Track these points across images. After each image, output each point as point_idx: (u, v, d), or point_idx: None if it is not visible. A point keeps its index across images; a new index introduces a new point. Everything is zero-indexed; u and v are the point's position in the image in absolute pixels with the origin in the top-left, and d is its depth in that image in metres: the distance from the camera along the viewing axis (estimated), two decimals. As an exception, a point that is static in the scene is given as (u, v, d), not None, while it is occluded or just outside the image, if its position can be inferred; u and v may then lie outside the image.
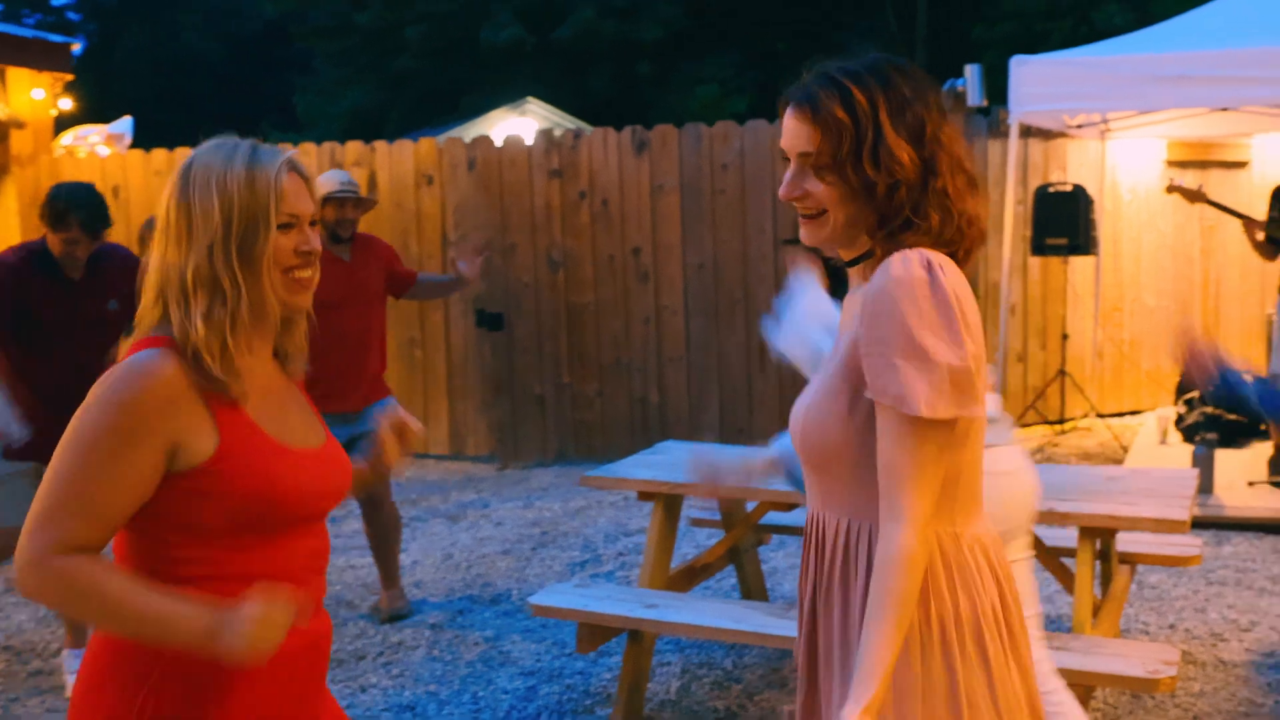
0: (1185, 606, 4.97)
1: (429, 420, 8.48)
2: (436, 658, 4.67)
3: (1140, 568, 5.04)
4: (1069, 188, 7.63)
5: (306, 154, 8.51)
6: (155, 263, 1.85)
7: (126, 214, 8.50)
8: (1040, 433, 8.27)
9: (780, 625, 3.67)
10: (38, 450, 4.32)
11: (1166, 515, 3.63)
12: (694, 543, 5.88)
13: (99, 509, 1.72)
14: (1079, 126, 8.09)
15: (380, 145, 8.52)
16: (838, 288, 2.95)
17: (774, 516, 4.65)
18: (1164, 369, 8.82)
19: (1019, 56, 6.86)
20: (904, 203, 1.71)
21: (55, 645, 4.86)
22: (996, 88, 7.80)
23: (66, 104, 9.55)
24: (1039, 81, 6.68)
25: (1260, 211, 6.71)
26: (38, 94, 9.13)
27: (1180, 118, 7.90)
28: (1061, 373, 8.24)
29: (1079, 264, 8.45)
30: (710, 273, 7.92)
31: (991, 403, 2.96)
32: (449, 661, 4.62)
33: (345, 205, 4.95)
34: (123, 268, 4.46)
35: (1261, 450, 7.04)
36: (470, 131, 12.72)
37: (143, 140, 9.62)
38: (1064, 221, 7.53)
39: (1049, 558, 4.04)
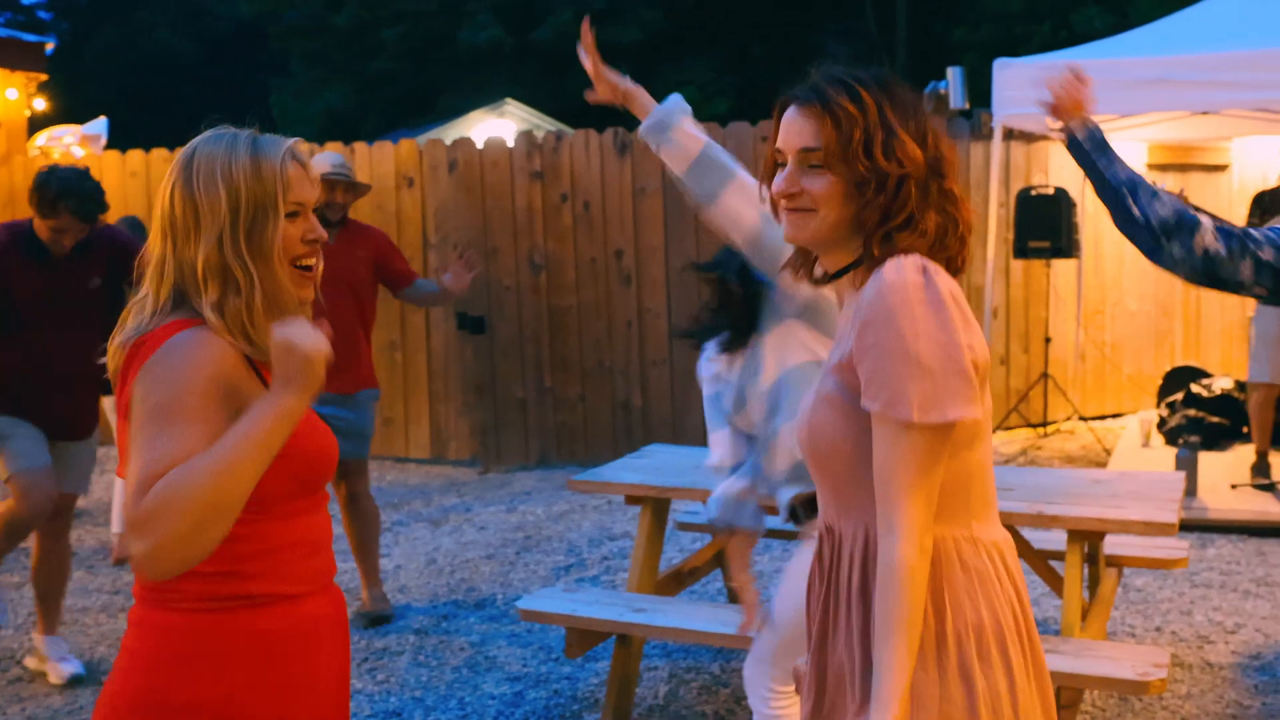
0: (1171, 609, 4.97)
1: (410, 424, 8.43)
2: (422, 663, 4.62)
3: (1125, 571, 5.05)
4: (1051, 191, 7.65)
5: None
6: (159, 254, 1.84)
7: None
8: (1023, 435, 8.28)
9: (770, 630, 3.65)
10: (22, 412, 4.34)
11: (1155, 518, 3.63)
12: (678, 546, 5.86)
13: None
14: (1061, 129, 8.11)
15: (360, 146, 8.47)
16: (740, 326, 2.94)
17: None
18: (1146, 372, 8.86)
19: (1002, 60, 6.87)
20: (909, 199, 1.69)
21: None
22: (977, 90, 7.82)
23: (41, 104, 9.46)
24: (1022, 84, 6.67)
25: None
26: (11, 94, 9.04)
27: (1161, 121, 7.94)
28: (1044, 376, 8.26)
29: (1061, 267, 8.47)
30: (693, 275, 7.88)
31: None
32: (434, 667, 4.58)
33: (335, 188, 4.91)
34: (110, 247, 4.41)
35: (1244, 453, 7.07)
36: (448, 133, 12.67)
37: (115, 141, 9.52)
38: (1046, 224, 7.54)
39: (1037, 560, 4.03)
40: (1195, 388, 7.80)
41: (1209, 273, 2.51)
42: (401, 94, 24.72)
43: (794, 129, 1.75)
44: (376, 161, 8.37)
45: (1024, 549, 3.87)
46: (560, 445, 8.19)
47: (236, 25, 30.94)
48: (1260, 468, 6.52)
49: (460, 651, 4.73)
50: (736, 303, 2.93)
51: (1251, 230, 2.55)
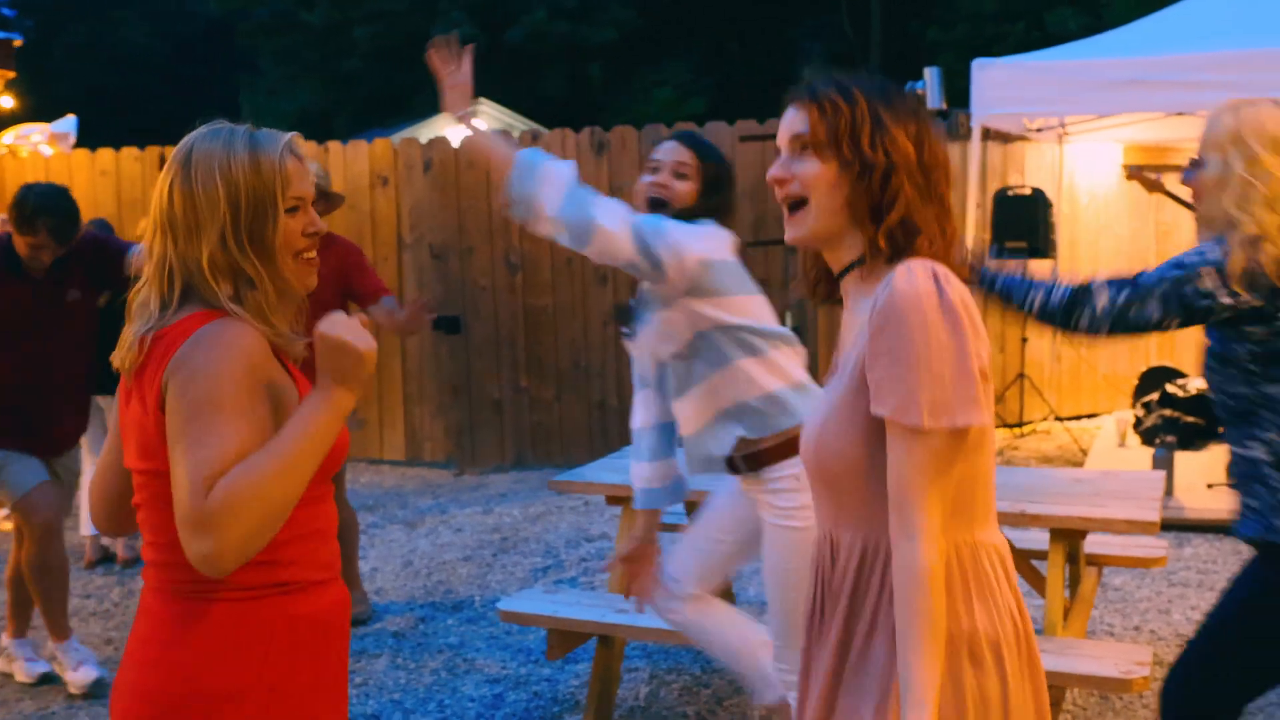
0: (1149, 608, 4.98)
1: (384, 425, 8.36)
2: (400, 665, 4.58)
3: (1104, 570, 5.05)
4: (1028, 191, 7.67)
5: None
6: (159, 252, 1.82)
7: (73, 214, 8.30)
8: (1000, 435, 8.30)
9: (753, 631, 3.62)
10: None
11: (1138, 517, 3.64)
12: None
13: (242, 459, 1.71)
14: (1038, 130, 8.14)
15: (334, 145, 8.40)
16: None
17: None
18: (1121, 372, 8.89)
19: (981, 60, 6.87)
20: (899, 193, 1.70)
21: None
22: (953, 91, 7.82)
23: (8, 101, 9.35)
24: (1000, 85, 6.69)
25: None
26: (-21, 91, 8.93)
27: (1137, 122, 7.97)
28: (1020, 376, 8.28)
29: (1037, 267, 8.49)
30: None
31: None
32: (413, 670, 4.53)
33: None
34: (88, 254, 4.37)
35: (1219, 452, 7.10)
36: (421, 133, 12.57)
37: (84, 139, 9.41)
38: (1023, 225, 7.55)
39: (1018, 559, 4.03)
40: (1170, 388, 7.83)
41: (1122, 321, 2.62)
42: (373, 93, 24.59)
43: (787, 122, 1.80)
44: (350, 161, 8.30)
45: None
46: (536, 446, 8.15)
47: (207, 23, 30.69)
48: (1236, 467, 6.55)
49: (439, 654, 4.68)
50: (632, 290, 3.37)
51: (1143, 273, 2.64)
